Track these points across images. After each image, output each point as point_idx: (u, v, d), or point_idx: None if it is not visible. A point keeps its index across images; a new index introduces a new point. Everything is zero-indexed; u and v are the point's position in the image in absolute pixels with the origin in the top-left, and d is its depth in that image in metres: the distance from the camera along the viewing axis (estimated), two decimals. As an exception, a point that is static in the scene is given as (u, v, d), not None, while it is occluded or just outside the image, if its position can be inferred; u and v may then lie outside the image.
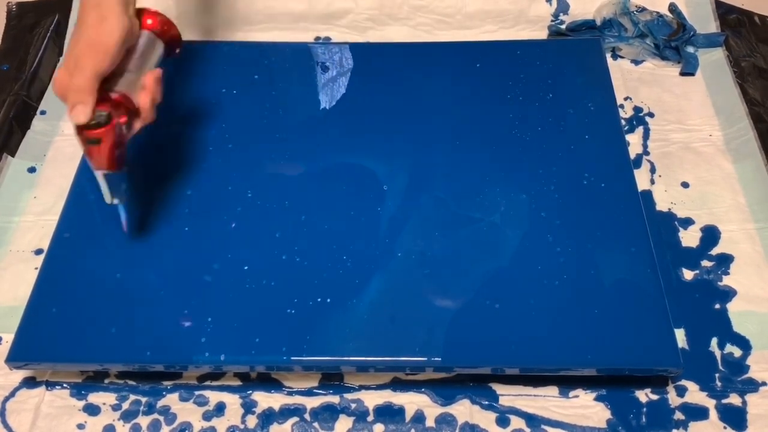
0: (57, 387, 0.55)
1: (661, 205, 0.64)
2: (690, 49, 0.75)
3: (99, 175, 0.53)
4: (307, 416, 0.53)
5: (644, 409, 0.53)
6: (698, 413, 0.52)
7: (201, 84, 0.70)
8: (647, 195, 0.64)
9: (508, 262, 0.56)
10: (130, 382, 0.55)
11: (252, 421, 0.53)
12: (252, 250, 0.57)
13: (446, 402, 0.54)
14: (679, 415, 0.52)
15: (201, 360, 0.52)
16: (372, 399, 0.54)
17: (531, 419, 0.52)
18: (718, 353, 0.55)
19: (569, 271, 0.55)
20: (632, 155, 0.65)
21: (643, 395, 0.53)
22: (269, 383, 0.55)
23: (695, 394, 0.53)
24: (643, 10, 0.77)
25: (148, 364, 0.53)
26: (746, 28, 0.75)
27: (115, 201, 0.54)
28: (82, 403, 0.54)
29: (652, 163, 0.67)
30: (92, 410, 0.53)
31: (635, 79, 0.74)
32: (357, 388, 0.54)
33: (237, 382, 0.55)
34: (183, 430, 0.52)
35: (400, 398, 0.54)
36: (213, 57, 0.73)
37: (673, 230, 0.62)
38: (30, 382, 0.55)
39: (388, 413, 0.53)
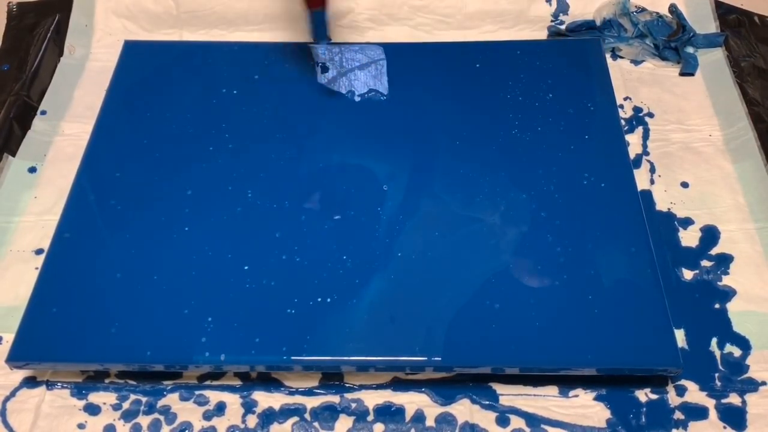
0: (57, 387, 0.55)
1: (661, 205, 0.64)
2: (690, 50, 0.75)
3: (315, 15, 0.63)
4: (307, 416, 0.53)
5: (644, 409, 0.53)
6: (698, 413, 0.52)
7: (201, 84, 0.70)
8: (647, 195, 0.64)
9: (508, 262, 0.56)
10: (131, 382, 0.55)
11: (252, 420, 0.53)
12: (252, 250, 0.57)
13: (446, 402, 0.54)
14: (678, 415, 0.52)
15: (201, 360, 0.52)
16: (372, 399, 0.54)
17: (531, 419, 0.52)
18: (717, 353, 0.55)
19: (569, 271, 0.56)
20: (632, 155, 0.66)
21: (643, 395, 0.54)
22: (269, 383, 0.55)
23: (695, 394, 0.53)
24: (642, 10, 0.77)
25: (149, 364, 0.53)
26: (746, 28, 0.75)
27: (327, 39, 0.62)
28: (82, 403, 0.54)
29: (651, 163, 0.67)
30: (93, 410, 0.54)
31: (635, 80, 0.74)
32: (357, 388, 0.55)
33: (237, 382, 0.55)
34: (183, 430, 0.52)
35: (400, 398, 0.54)
36: (213, 57, 0.73)
37: (672, 230, 0.62)
38: (30, 382, 0.55)
39: (388, 413, 0.53)
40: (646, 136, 0.69)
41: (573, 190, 0.61)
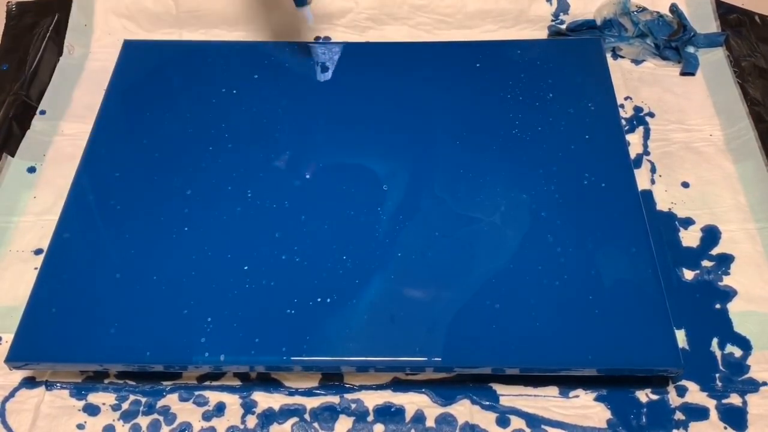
0: (57, 387, 0.55)
1: (662, 205, 0.64)
2: (690, 49, 0.75)
3: None
4: (307, 416, 0.53)
5: (644, 410, 0.53)
6: (699, 413, 0.52)
7: (201, 84, 0.70)
8: (647, 195, 0.64)
9: (508, 262, 0.56)
10: (130, 382, 0.55)
11: (252, 421, 0.53)
12: (252, 250, 0.57)
13: (446, 402, 0.53)
14: (679, 416, 0.52)
15: (201, 360, 0.52)
16: (372, 399, 0.54)
17: (531, 419, 0.52)
18: (718, 353, 0.55)
19: (569, 271, 0.55)
20: (632, 155, 0.65)
21: (644, 395, 0.53)
22: (269, 383, 0.55)
23: (696, 395, 0.53)
24: (643, 10, 0.77)
25: (148, 365, 0.53)
26: (747, 27, 0.75)
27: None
28: (81, 403, 0.54)
29: (652, 163, 0.67)
30: (92, 410, 0.53)
31: (636, 79, 0.74)
32: (357, 388, 0.54)
33: (237, 382, 0.55)
34: (183, 431, 0.52)
35: (400, 398, 0.54)
36: (213, 57, 0.73)
37: (673, 230, 0.62)
38: (30, 382, 0.55)
39: (388, 413, 0.53)
40: (646, 135, 0.69)
41: (573, 190, 0.60)
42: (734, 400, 0.53)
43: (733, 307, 0.57)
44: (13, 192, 0.66)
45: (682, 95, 0.72)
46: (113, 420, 0.53)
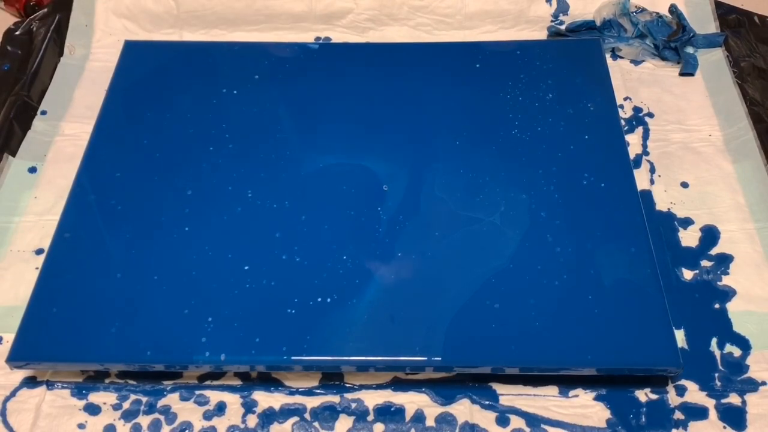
0: (57, 387, 0.55)
1: (661, 205, 0.64)
2: (689, 50, 0.75)
3: None
4: (307, 416, 0.53)
5: (644, 409, 0.53)
6: (698, 413, 0.52)
7: (201, 84, 0.70)
8: (647, 195, 0.64)
9: (508, 262, 0.56)
10: (131, 382, 0.55)
11: (252, 420, 0.53)
12: (252, 250, 0.57)
13: (446, 402, 0.54)
14: (678, 415, 0.52)
15: (201, 360, 0.52)
16: (372, 398, 0.54)
17: (531, 419, 0.52)
18: (717, 353, 0.55)
19: (569, 271, 0.56)
20: (632, 155, 0.66)
21: (643, 395, 0.54)
22: (270, 383, 0.55)
23: (695, 394, 0.53)
24: (642, 10, 0.77)
25: (149, 364, 0.53)
26: (746, 28, 0.75)
27: None
28: (82, 403, 0.54)
29: (651, 163, 0.67)
30: (93, 410, 0.54)
31: (635, 80, 0.74)
32: (357, 388, 0.55)
33: (237, 382, 0.55)
34: (183, 430, 0.52)
35: (400, 398, 0.54)
36: (213, 57, 0.73)
37: (672, 230, 0.62)
38: (31, 382, 0.55)
39: (388, 413, 0.53)
40: (646, 136, 0.69)
41: (573, 190, 0.61)
42: (733, 399, 0.53)
43: (732, 307, 0.57)
44: (14, 192, 0.66)
45: (681, 96, 0.72)
46: (114, 419, 0.53)
